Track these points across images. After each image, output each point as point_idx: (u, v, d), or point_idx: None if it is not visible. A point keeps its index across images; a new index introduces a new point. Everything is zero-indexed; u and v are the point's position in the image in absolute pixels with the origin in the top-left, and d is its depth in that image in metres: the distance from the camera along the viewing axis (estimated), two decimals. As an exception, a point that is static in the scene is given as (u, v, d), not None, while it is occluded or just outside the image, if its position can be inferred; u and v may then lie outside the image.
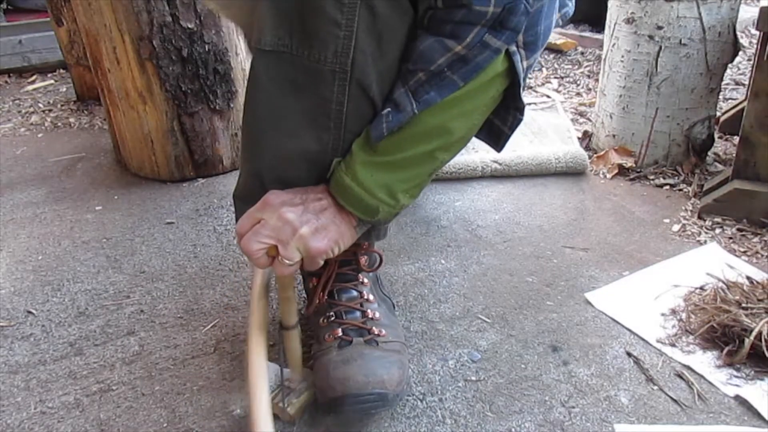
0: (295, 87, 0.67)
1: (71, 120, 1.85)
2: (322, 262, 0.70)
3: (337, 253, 0.71)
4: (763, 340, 0.83)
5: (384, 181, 0.69)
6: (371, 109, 0.70)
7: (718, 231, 1.17)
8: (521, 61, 0.69)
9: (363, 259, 0.87)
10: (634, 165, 1.40)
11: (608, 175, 1.40)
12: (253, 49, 0.68)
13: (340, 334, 0.80)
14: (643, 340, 0.91)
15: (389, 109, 0.67)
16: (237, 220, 0.78)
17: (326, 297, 0.85)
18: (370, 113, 0.70)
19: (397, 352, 0.80)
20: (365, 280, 0.87)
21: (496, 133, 0.77)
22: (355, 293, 0.85)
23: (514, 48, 0.67)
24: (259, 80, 0.69)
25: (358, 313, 0.83)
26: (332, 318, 0.83)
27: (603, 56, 1.45)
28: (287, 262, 0.67)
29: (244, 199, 0.78)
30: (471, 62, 0.65)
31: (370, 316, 0.83)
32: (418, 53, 0.65)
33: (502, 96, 0.72)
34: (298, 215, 0.67)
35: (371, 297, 0.86)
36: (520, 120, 0.75)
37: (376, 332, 0.81)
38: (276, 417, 0.78)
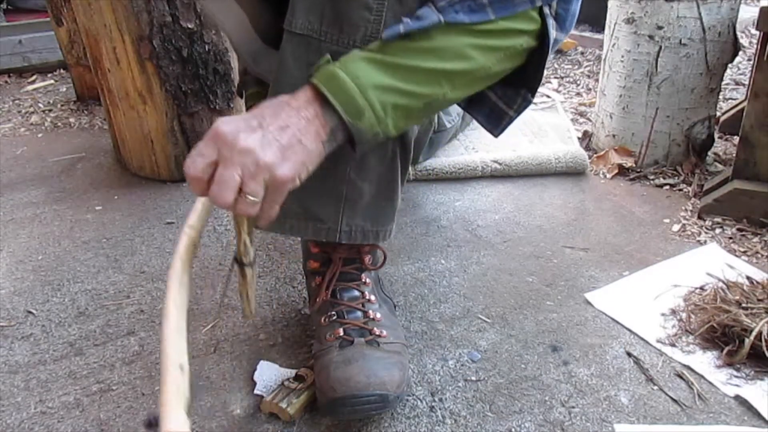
0: None
1: (71, 120, 1.85)
2: (286, 193, 0.61)
3: (304, 177, 0.62)
4: (763, 340, 0.83)
5: (380, 82, 0.62)
6: None
7: (718, 231, 1.17)
8: (552, 28, 0.69)
9: (367, 258, 0.87)
10: (634, 165, 1.40)
11: (608, 175, 1.40)
12: (285, 30, 0.68)
13: (342, 333, 0.80)
14: (643, 340, 0.91)
15: (409, 18, 0.64)
16: None
17: (329, 296, 0.85)
18: None
19: (398, 353, 0.80)
20: (367, 280, 0.87)
21: (497, 115, 0.76)
22: (357, 293, 0.85)
23: (548, 11, 0.68)
24: (286, 62, 0.69)
25: (359, 313, 0.83)
26: (334, 317, 0.83)
27: (603, 56, 1.45)
28: (252, 199, 0.58)
29: None
30: (508, 1, 0.64)
31: (371, 316, 0.83)
32: None
33: (522, 67, 0.71)
34: (258, 141, 0.57)
35: (373, 298, 0.86)
36: (530, 102, 0.74)
37: (377, 333, 0.81)
38: (276, 417, 0.78)
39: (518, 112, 0.75)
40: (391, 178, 0.81)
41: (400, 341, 0.83)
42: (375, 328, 0.81)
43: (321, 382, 0.77)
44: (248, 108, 1.02)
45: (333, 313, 0.83)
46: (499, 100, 0.74)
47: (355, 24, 0.64)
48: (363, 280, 0.86)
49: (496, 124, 0.77)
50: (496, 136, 0.79)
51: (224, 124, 0.58)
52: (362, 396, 0.73)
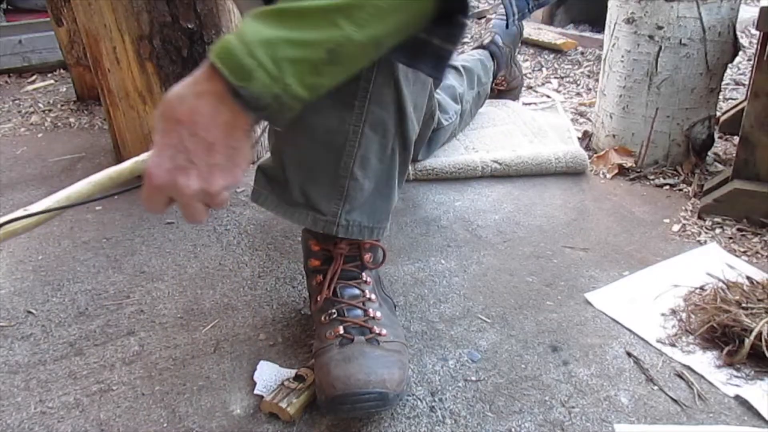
0: None
1: (71, 120, 1.85)
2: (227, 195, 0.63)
3: (245, 168, 0.63)
4: (763, 340, 0.83)
5: (267, 36, 0.56)
6: (394, 94, 0.71)
7: (718, 231, 1.17)
8: None
9: (367, 256, 0.87)
10: (634, 165, 1.40)
11: (608, 175, 1.40)
12: None
13: (342, 331, 0.80)
14: (643, 340, 0.91)
15: None
16: (256, 193, 0.83)
17: (330, 293, 0.85)
18: (391, 99, 0.71)
19: (398, 352, 0.80)
20: (368, 279, 0.87)
21: (436, 55, 0.66)
22: (357, 291, 0.85)
23: None
24: None
25: (359, 312, 0.83)
26: (334, 315, 0.83)
27: (603, 56, 1.45)
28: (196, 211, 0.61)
29: (266, 173, 0.83)
30: None
31: (371, 315, 0.83)
32: None
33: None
34: (197, 180, 0.59)
35: (373, 296, 0.86)
36: (465, 26, 0.64)
37: (377, 331, 0.81)
38: (276, 417, 0.78)
39: (456, 43, 0.66)
40: (390, 176, 0.82)
41: (400, 340, 0.83)
42: (375, 327, 0.81)
43: (321, 379, 0.77)
44: None
45: (333, 311, 0.83)
46: (444, 42, 0.64)
47: None
48: (364, 279, 0.86)
49: (438, 64, 0.66)
50: (439, 79, 0.76)
51: (155, 172, 0.58)
52: (362, 394, 0.73)
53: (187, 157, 0.58)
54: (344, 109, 0.72)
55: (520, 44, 1.93)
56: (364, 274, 0.87)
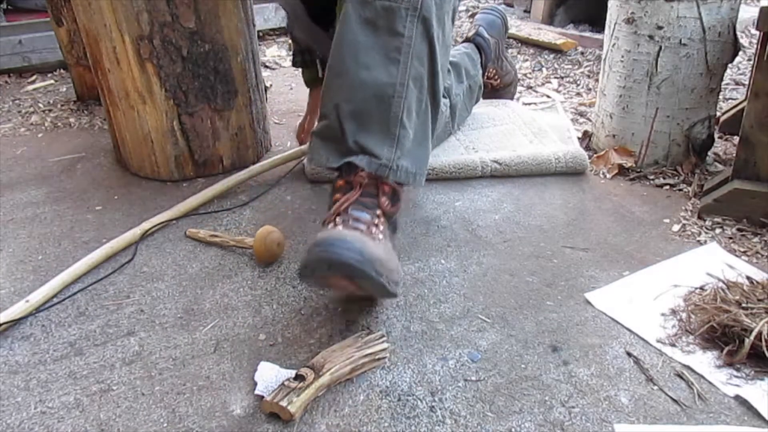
0: (375, 27, 0.86)
1: (71, 120, 1.85)
2: None
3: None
4: (763, 340, 0.83)
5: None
6: (428, 48, 0.89)
7: (718, 231, 1.17)
8: None
9: (383, 199, 0.92)
10: (634, 165, 1.40)
11: (608, 175, 1.40)
12: None
13: (341, 226, 0.85)
14: (643, 340, 0.91)
15: None
16: (312, 155, 0.97)
17: (341, 208, 0.90)
18: (425, 52, 0.89)
19: (390, 257, 0.86)
20: (380, 214, 0.91)
21: None
22: (367, 216, 0.89)
23: None
24: (348, 20, 0.87)
25: (363, 226, 0.86)
26: (339, 222, 0.87)
27: (603, 56, 1.45)
28: None
29: (320, 135, 0.94)
30: None
31: (373, 233, 0.87)
32: None
33: None
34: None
35: (381, 227, 0.90)
36: None
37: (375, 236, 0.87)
38: (276, 417, 0.78)
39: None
40: (426, 127, 0.96)
41: (395, 267, 0.88)
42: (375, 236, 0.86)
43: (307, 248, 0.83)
44: (311, 92, 1.43)
45: (339, 219, 0.87)
46: None
47: None
48: (376, 213, 0.91)
49: None
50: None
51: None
52: (341, 241, 0.78)
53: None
54: (391, 64, 0.88)
55: (507, 38, 1.96)
56: (378, 211, 0.91)
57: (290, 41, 1.40)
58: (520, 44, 2.39)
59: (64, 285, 1.04)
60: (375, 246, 0.83)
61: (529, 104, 1.82)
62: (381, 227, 0.90)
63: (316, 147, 0.95)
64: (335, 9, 1.13)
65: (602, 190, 1.35)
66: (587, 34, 2.38)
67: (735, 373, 0.84)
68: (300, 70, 1.55)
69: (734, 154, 1.20)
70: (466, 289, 1.03)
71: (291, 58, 1.55)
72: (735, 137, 1.49)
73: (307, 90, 1.56)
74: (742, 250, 1.11)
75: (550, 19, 2.54)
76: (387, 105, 0.88)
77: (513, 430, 0.77)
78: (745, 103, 1.20)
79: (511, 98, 1.80)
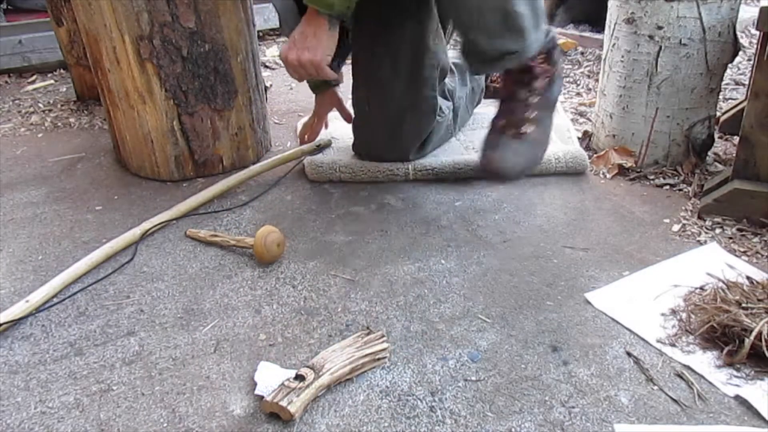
0: None
1: (71, 120, 1.85)
2: (324, 65, 1.10)
3: (329, 53, 1.11)
4: (763, 340, 0.83)
5: None
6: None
7: (718, 231, 1.17)
8: None
9: (540, 80, 1.22)
10: (634, 165, 1.40)
11: (608, 175, 1.40)
12: None
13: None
14: (643, 340, 0.91)
15: None
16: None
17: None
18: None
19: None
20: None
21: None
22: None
23: None
24: None
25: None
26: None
27: (603, 56, 1.45)
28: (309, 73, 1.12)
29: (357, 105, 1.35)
30: None
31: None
32: None
33: None
34: (295, 52, 1.10)
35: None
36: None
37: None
38: (276, 417, 0.78)
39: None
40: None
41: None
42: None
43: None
44: (317, 98, 1.53)
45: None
46: None
47: None
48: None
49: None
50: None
51: (282, 52, 1.12)
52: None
53: (293, 43, 1.10)
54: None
55: None
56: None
57: None
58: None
59: (64, 285, 1.04)
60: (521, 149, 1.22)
61: (529, 104, 1.82)
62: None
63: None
64: None
65: (602, 190, 1.35)
66: (587, 34, 2.38)
67: (735, 373, 0.84)
68: None
69: (734, 154, 1.20)
70: (466, 289, 1.03)
71: None
72: (735, 137, 1.49)
73: (308, 90, 1.56)
74: (742, 250, 1.11)
75: (550, 19, 2.53)
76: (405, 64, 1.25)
77: (513, 430, 0.77)
78: (745, 103, 1.20)
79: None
